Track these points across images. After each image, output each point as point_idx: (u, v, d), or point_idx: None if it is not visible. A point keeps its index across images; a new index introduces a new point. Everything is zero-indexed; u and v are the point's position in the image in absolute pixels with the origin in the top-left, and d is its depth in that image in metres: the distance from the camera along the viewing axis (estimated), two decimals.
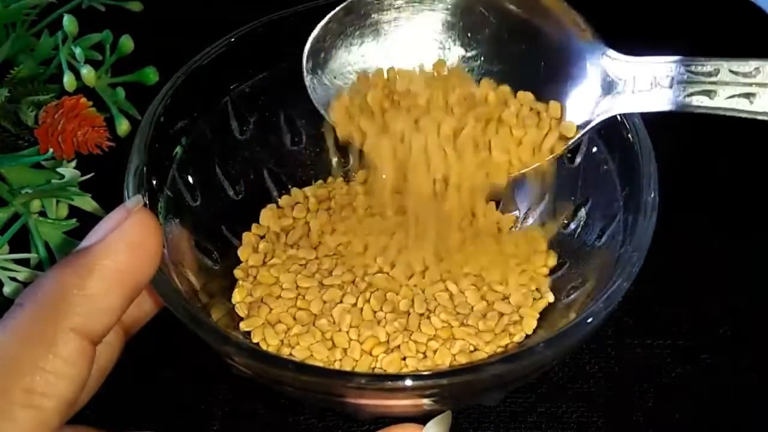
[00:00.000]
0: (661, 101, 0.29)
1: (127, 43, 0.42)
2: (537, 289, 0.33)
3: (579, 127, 0.31)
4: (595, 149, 0.33)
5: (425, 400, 0.26)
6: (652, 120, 0.31)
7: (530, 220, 0.36)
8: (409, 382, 0.24)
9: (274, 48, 0.34)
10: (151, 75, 0.42)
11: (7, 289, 0.36)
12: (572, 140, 0.31)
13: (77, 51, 0.39)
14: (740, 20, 0.49)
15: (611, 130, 0.32)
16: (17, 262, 0.37)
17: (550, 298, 0.33)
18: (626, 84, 0.30)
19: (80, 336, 0.23)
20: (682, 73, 0.28)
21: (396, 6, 0.33)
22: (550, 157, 0.31)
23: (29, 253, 0.37)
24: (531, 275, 0.34)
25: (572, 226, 0.34)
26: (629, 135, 0.31)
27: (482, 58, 0.33)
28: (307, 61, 0.32)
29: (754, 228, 0.39)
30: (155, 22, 0.47)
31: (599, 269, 0.31)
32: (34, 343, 0.22)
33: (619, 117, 0.31)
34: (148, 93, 0.35)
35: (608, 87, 0.30)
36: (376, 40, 0.33)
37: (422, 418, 0.25)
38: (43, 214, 0.38)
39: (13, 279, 0.36)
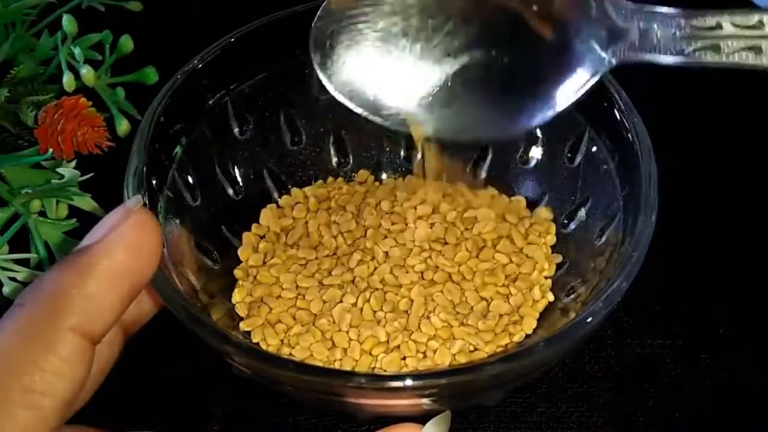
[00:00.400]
0: (667, 54, 0.28)
1: (126, 43, 0.42)
2: (537, 288, 0.33)
3: (590, 75, 0.30)
4: (595, 149, 0.33)
5: (425, 400, 0.26)
6: (653, 120, 0.31)
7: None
8: (409, 382, 0.24)
9: (274, 48, 0.34)
10: (151, 75, 0.42)
11: (6, 289, 0.36)
12: (585, 89, 0.30)
13: (77, 51, 0.39)
14: None
15: (611, 131, 0.32)
16: (17, 262, 0.37)
17: (550, 297, 0.33)
18: (630, 34, 0.29)
19: (79, 336, 0.23)
20: (684, 27, 0.28)
21: None
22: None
23: (29, 253, 0.37)
24: (530, 279, 0.33)
25: (572, 225, 0.34)
26: (629, 135, 0.31)
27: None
28: (314, 55, 0.31)
29: (754, 228, 0.39)
30: (155, 22, 0.47)
31: (599, 269, 0.31)
32: (34, 343, 0.22)
33: (618, 117, 0.31)
34: (148, 93, 0.35)
35: (615, 34, 0.29)
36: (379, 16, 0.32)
37: (422, 418, 0.25)
38: (43, 214, 0.38)
39: (13, 279, 0.36)
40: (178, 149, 0.33)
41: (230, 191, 0.36)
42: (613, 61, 0.29)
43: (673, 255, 0.36)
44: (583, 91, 0.30)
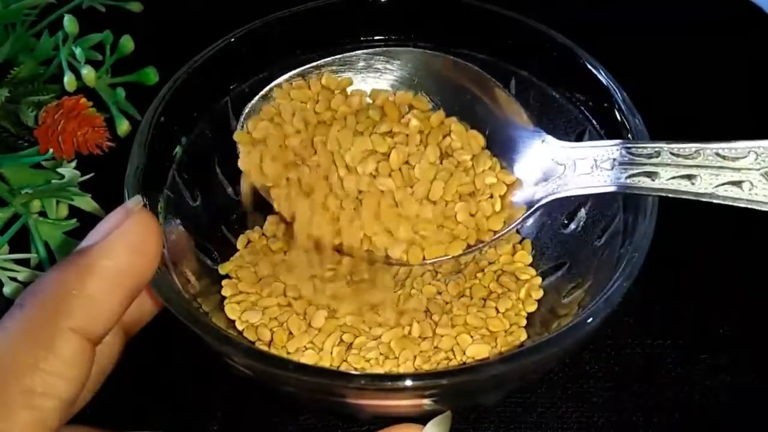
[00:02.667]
0: (603, 182, 0.29)
1: (127, 43, 0.42)
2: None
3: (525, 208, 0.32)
4: None
5: (425, 401, 0.26)
6: (652, 119, 0.31)
7: (530, 220, 0.36)
8: (409, 382, 0.24)
9: (274, 48, 0.34)
10: (151, 75, 0.42)
11: (7, 289, 0.36)
12: (515, 222, 0.32)
13: (77, 51, 0.39)
14: (740, 20, 0.49)
15: (611, 130, 0.32)
16: (17, 262, 0.37)
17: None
18: (567, 168, 0.31)
19: (80, 336, 0.23)
20: (623, 155, 0.29)
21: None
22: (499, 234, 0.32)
23: (29, 253, 0.37)
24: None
25: (572, 226, 0.34)
26: (629, 135, 0.31)
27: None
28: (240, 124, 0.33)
29: (754, 228, 0.39)
30: (155, 23, 0.47)
31: (599, 269, 0.31)
32: (34, 344, 0.22)
33: (618, 117, 0.31)
34: (148, 93, 0.35)
35: (550, 171, 0.31)
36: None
37: (422, 418, 0.26)
38: (43, 214, 0.38)
39: (13, 279, 0.36)
40: (178, 149, 0.33)
41: (230, 191, 0.36)
42: (549, 197, 0.31)
43: (673, 255, 0.36)
44: (518, 222, 0.32)
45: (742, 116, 0.44)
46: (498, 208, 0.32)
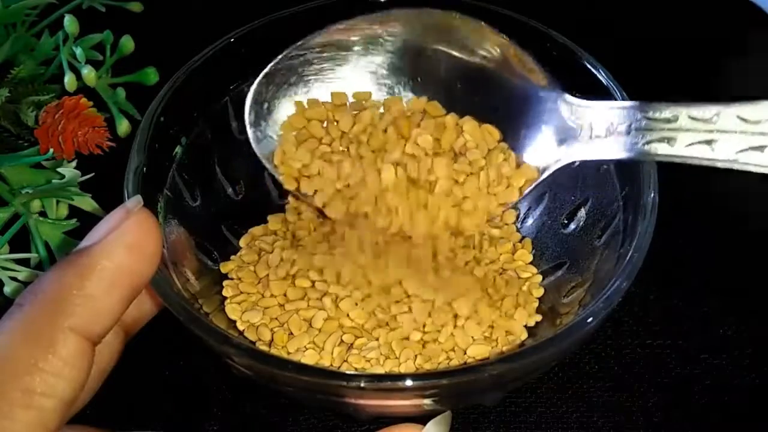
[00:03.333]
0: (619, 149, 0.28)
1: (127, 43, 0.42)
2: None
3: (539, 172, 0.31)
4: None
5: (425, 401, 0.26)
6: None
7: (530, 220, 0.36)
8: (409, 383, 0.24)
9: (274, 48, 0.34)
10: (152, 75, 0.42)
11: (7, 289, 0.36)
12: (529, 188, 0.31)
13: (78, 51, 0.39)
14: (740, 20, 0.49)
15: None
16: (17, 262, 0.37)
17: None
18: (583, 130, 0.29)
19: (79, 336, 0.23)
20: (639, 119, 0.28)
21: (340, 54, 0.34)
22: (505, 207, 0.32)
23: (29, 253, 0.37)
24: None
25: (572, 226, 0.34)
26: None
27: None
28: (249, 114, 0.33)
29: (754, 227, 0.39)
30: (155, 23, 0.47)
31: (599, 269, 0.31)
32: (34, 344, 0.22)
33: None
34: (148, 93, 0.35)
35: (565, 133, 0.30)
36: (321, 88, 0.34)
37: (422, 418, 0.26)
38: (43, 214, 0.38)
39: (14, 279, 0.36)
40: (178, 149, 0.33)
41: (230, 191, 0.36)
42: (564, 160, 0.30)
43: (673, 255, 0.36)
44: (533, 186, 0.31)
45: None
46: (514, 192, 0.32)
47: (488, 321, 0.32)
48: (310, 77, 0.34)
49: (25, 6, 0.43)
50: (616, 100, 0.31)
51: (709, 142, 0.26)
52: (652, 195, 0.29)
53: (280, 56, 0.33)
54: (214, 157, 0.35)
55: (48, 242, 0.37)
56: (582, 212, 0.34)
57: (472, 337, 0.31)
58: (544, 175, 0.31)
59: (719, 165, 0.26)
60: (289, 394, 0.29)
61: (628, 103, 0.28)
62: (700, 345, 0.36)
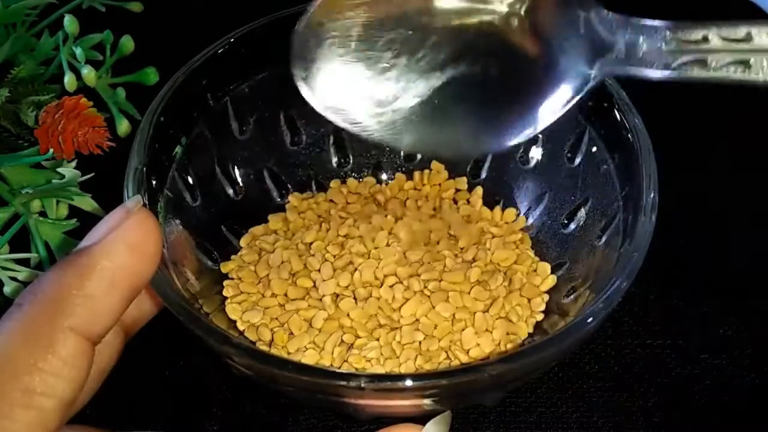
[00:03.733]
0: (652, 69, 0.27)
1: (127, 43, 0.42)
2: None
3: (574, 90, 0.29)
4: (595, 149, 0.33)
5: (425, 401, 0.26)
6: (652, 119, 0.31)
7: (530, 220, 0.36)
8: (409, 383, 0.24)
9: (274, 48, 0.34)
10: (152, 75, 0.42)
11: (7, 289, 0.36)
12: (569, 105, 0.29)
13: (78, 51, 0.39)
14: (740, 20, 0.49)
15: (611, 131, 0.32)
16: (17, 262, 0.37)
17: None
18: (616, 47, 0.28)
19: (79, 336, 0.23)
20: (670, 40, 0.27)
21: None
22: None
23: (29, 253, 0.37)
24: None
25: (572, 226, 0.34)
26: (629, 135, 0.31)
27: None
28: (296, 68, 0.30)
29: (754, 227, 0.39)
30: (155, 22, 0.47)
31: (599, 269, 0.31)
32: (33, 344, 0.22)
33: (618, 117, 0.31)
34: (148, 93, 0.35)
35: (598, 49, 0.28)
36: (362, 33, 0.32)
37: (422, 418, 0.25)
38: (43, 214, 0.38)
39: (14, 279, 0.36)
40: (178, 149, 0.33)
41: (230, 191, 0.36)
42: (599, 77, 0.28)
43: (673, 255, 0.36)
44: (567, 107, 0.29)
45: (742, 116, 0.44)
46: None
47: (490, 322, 0.32)
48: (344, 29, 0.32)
49: (25, 6, 0.43)
50: (615, 100, 0.31)
51: (742, 62, 0.26)
52: (652, 195, 0.29)
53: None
54: (214, 157, 0.35)
55: (48, 242, 0.37)
56: (582, 212, 0.34)
57: (476, 337, 0.31)
58: (581, 95, 0.29)
59: (758, 83, 0.26)
60: (289, 394, 0.29)
61: (660, 23, 0.28)
62: (700, 345, 0.35)
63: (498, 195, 0.37)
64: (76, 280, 0.23)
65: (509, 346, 0.32)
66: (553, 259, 0.34)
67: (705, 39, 0.26)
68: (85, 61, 0.39)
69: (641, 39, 0.28)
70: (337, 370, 0.30)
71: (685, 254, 0.38)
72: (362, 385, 0.25)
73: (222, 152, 0.35)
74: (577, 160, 0.34)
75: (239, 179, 0.36)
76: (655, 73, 0.27)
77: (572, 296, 0.32)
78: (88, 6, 0.45)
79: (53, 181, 0.37)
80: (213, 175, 0.35)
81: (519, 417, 0.34)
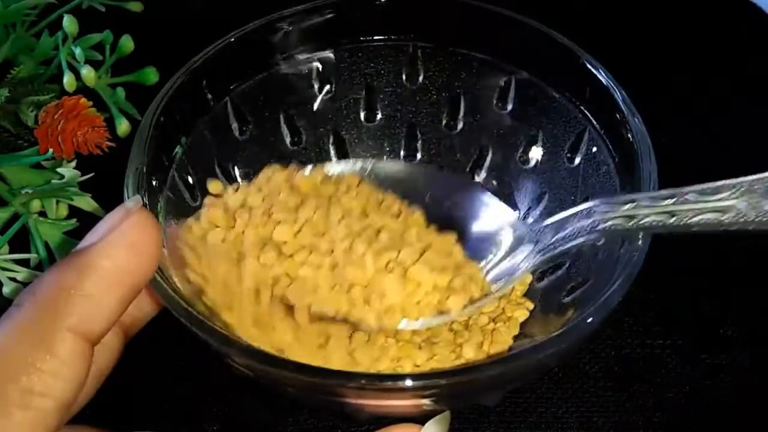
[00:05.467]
0: (581, 233, 0.29)
1: (127, 43, 0.42)
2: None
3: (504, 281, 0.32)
4: (595, 149, 0.33)
5: (425, 401, 0.26)
6: (652, 120, 0.31)
7: (530, 219, 0.36)
8: (408, 383, 0.24)
9: (274, 48, 0.34)
10: (151, 75, 0.42)
11: (6, 289, 0.36)
12: (489, 297, 0.32)
13: (77, 51, 0.39)
14: (740, 20, 0.49)
15: (611, 130, 0.32)
16: (17, 262, 0.37)
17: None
18: (541, 243, 0.31)
19: (78, 336, 0.23)
20: (597, 205, 0.29)
21: None
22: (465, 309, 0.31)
23: (29, 253, 0.37)
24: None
25: None
26: (629, 135, 0.31)
27: None
28: None
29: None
30: (155, 22, 0.47)
31: (599, 269, 0.31)
32: (32, 344, 0.22)
33: (618, 116, 0.31)
34: (148, 93, 0.35)
35: (524, 245, 0.32)
36: None
37: (421, 418, 0.26)
38: (43, 214, 0.38)
39: (13, 279, 0.36)
40: (178, 149, 0.32)
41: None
42: (530, 264, 0.31)
43: (672, 255, 0.35)
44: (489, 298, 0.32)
45: (742, 116, 0.44)
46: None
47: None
48: None
49: (25, 6, 0.43)
50: (615, 100, 0.31)
51: (670, 213, 0.27)
52: None
53: None
54: (214, 157, 0.35)
55: (48, 242, 0.37)
56: None
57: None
58: (505, 286, 0.32)
59: (692, 230, 0.28)
60: (289, 394, 0.29)
61: (585, 206, 0.30)
62: (700, 345, 0.35)
63: (498, 195, 0.37)
64: (76, 281, 0.23)
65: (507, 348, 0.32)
66: (553, 259, 0.34)
67: (632, 201, 0.28)
68: (85, 61, 0.39)
69: (570, 227, 0.30)
70: (337, 370, 0.30)
71: (685, 254, 0.38)
72: (362, 384, 0.25)
73: (222, 152, 0.35)
74: (577, 160, 0.34)
75: (239, 179, 0.36)
76: (582, 239, 0.30)
77: (572, 296, 0.32)
78: (87, 6, 0.45)
79: (53, 181, 0.37)
80: (213, 175, 0.35)
81: (519, 417, 0.34)
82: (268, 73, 0.35)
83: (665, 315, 0.36)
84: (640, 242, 0.28)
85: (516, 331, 0.32)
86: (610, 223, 0.28)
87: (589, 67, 0.32)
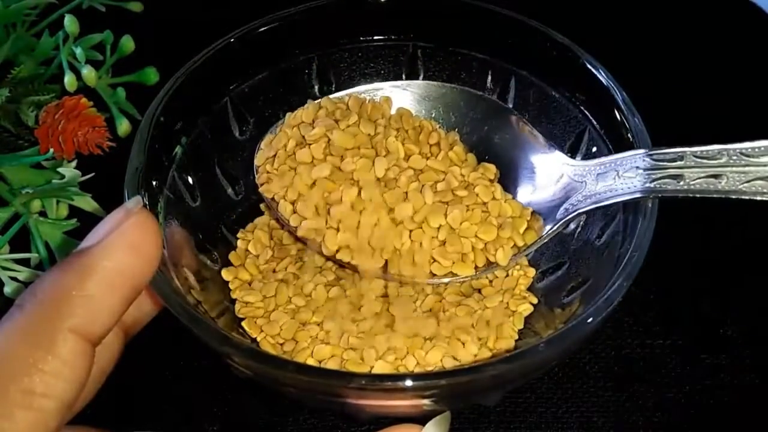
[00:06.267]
0: (628, 190, 0.29)
1: (127, 43, 0.42)
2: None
3: (545, 228, 0.32)
4: (595, 149, 0.33)
5: (425, 401, 0.26)
6: (652, 120, 0.31)
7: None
8: (409, 383, 0.24)
9: (274, 48, 0.34)
10: (152, 75, 0.42)
11: (7, 289, 0.36)
12: (537, 243, 0.32)
13: (78, 51, 0.39)
14: (740, 20, 0.49)
15: (611, 130, 0.32)
16: (18, 262, 0.37)
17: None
18: (588, 184, 0.31)
19: (79, 337, 0.23)
20: (645, 161, 0.29)
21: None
22: (519, 254, 0.32)
23: (29, 253, 0.37)
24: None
25: (572, 225, 0.34)
26: (629, 135, 0.31)
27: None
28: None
29: (754, 228, 0.39)
30: (155, 23, 0.47)
31: (599, 269, 0.31)
32: (33, 344, 0.22)
33: (618, 116, 0.31)
34: (148, 93, 0.35)
35: (571, 191, 0.31)
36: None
37: (422, 419, 0.26)
38: (43, 214, 0.38)
39: (14, 279, 0.36)
40: (178, 149, 0.33)
41: (230, 191, 0.36)
42: (570, 214, 0.31)
43: (673, 255, 0.36)
44: (540, 241, 0.32)
45: (742, 116, 0.44)
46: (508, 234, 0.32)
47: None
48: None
49: (25, 6, 0.43)
50: (615, 100, 0.31)
51: (715, 176, 0.27)
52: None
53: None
54: (214, 157, 0.35)
55: (48, 242, 0.37)
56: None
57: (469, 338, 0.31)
58: (554, 230, 0.32)
59: (730, 195, 0.27)
60: (290, 395, 0.29)
61: (632, 153, 0.29)
62: (700, 345, 0.36)
63: None
64: (77, 281, 0.23)
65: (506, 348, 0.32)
66: (553, 259, 0.34)
67: (680, 157, 0.28)
68: (85, 61, 0.39)
69: (613, 171, 0.30)
70: (337, 370, 0.30)
71: (685, 254, 0.38)
72: (362, 385, 0.25)
73: (222, 152, 0.35)
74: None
75: (239, 179, 0.36)
76: (629, 196, 0.29)
77: (572, 296, 0.32)
78: (88, 6, 0.45)
79: (53, 181, 0.37)
80: (213, 175, 0.35)
81: (519, 417, 0.34)
82: (268, 73, 0.35)
83: (665, 315, 0.36)
84: (640, 241, 0.28)
85: (521, 326, 0.32)
86: (657, 183, 0.28)
87: (589, 67, 0.32)
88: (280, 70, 0.35)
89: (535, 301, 0.33)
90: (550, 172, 0.32)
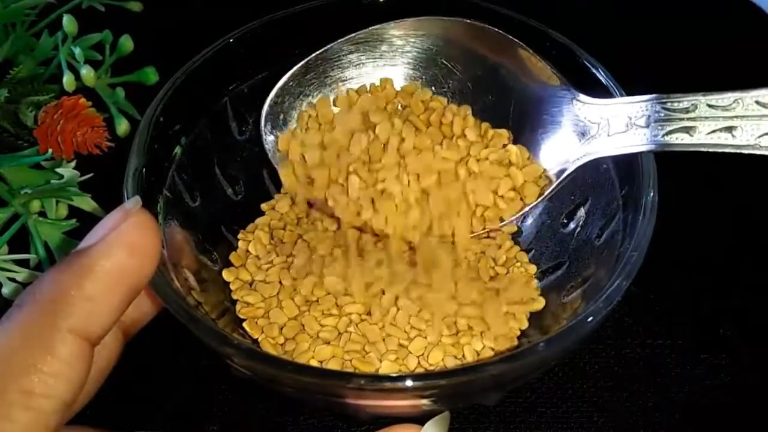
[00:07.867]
0: (639, 141, 0.28)
1: (126, 43, 0.42)
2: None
3: (556, 175, 0.31)
4: None
5: (424, 401, 0.26)
6: None
7: (529, 220, 0.36)
8: (408, 383, 0.24)
9: (274, 48, 0.34)
10: (151, 75, 0.42)
11: (6, 290, 0.36)
12: (550, 190, 0.31)
13: (77, 51, 0.39)
14: (740, 20, 0.49)
15: None
16: (17, 262, 0.37)
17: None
18: (600, 127, 0.30)
19: (78, 337, 0.23)
20: (658, 111, 0.28)
21: (355, 63, 0.33)
22: (527, 208, 0.31)
23: (29, 254, 0.37)
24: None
25: (572, 225, 0.34)
26: None
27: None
28: (265, 124, 0.32)
29: (754, 227, 0.39)
30: (155, 22, 0.47)
31: (599, 268, 0.31)
32: (33, 345, 0.22)
33: None
34: (148, 93, 0.35)
35: (582, 132, 0.30)
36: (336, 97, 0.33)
37: (421, 419, 0.25)
38: (42, 214, 0.38)
39: (13, 280, 0.36)
40: (177, 149, 0.32)
41: (230, 191, 0.36)
42: (583, 159, 0.30)
43: (673, 255, 0.36)
44: (552, 189, 0.31)
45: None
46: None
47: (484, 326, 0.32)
48: (325, 87, 0.34)
49: (25, 6, 0.43)
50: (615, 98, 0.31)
51: (729, 129, 0.26)
52: (652, 195, 0.29)
53: (297, 66, 0.33)
54: (214, 157, 0.35)
55: (47, 242, 0.37)
56: (582, 212, 0.34)
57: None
58: (566, 174, 0.31)
59: (743, 150, 0.26)
60: (289, 395, 0.29)
61: (645, 97, 0.28)
62: (700, 345, 0.35)
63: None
64: (76, 281, 0.23)
65: (507, 339, 0.32)
66: (553, 259, 0.34)
67: (693, 107, 0.27)
68: (85, 60, 0.39)
69: (625, 116, 0.29)
70: (337, 370, 0.30)
71: (685, 254, 0.38)
72: (362, 385, 0.25)
73: (221, 152, 0.35)
74: None
75: (239, 179, 0.36)
76: (642, 147, 0.28)
77: (572, 295, 0.32)
78: (87, 6, 0.45)
79: (53, 181, 0.37)
80: (213, 175, 0.35)
81: (519, 417, 0.34)
82: (268, 73, 0.35)
83: (665, 315, 0.36)
84: (640, 240, 0.28)
85: (525, 325, 0.32)
86: (668, 138, 0.27)
87: (589, 66, 0.32)
88: (279, 70, 0.35)
89: (543, 301, 0.33)
90: (562, 111, 0.31)
